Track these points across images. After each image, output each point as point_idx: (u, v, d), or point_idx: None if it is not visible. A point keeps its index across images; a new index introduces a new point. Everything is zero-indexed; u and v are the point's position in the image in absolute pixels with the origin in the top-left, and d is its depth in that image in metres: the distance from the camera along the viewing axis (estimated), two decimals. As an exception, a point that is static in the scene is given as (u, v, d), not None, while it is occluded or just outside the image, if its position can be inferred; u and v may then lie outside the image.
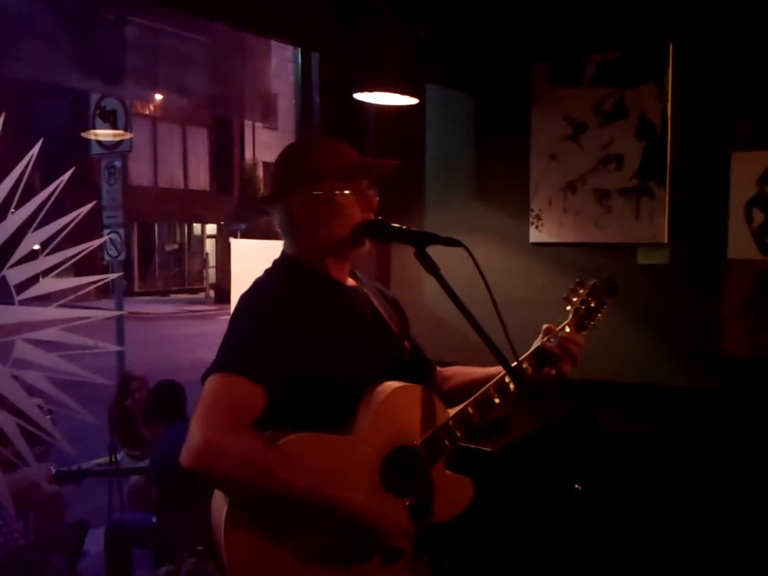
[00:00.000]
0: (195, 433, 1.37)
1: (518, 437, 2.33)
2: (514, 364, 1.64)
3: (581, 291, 1.84)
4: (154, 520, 3.54)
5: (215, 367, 1.46)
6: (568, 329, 1.78)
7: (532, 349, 1.76)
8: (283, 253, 1.72)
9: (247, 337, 1.51)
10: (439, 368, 1.91)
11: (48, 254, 2.34)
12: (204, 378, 1.47)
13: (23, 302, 2.32)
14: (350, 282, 1.75)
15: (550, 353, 1.73)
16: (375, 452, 1.53)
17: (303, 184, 1.63)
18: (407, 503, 1.57)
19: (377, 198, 1.69)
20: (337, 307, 1.65)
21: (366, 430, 1.54)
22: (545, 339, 1.76)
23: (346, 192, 1.62)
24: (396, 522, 1.51)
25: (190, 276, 26.74)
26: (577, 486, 1.51)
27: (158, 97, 21.80)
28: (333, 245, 1.66)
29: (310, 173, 1.64)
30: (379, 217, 1.67)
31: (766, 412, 2.56)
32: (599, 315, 1.84)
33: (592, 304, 1.84)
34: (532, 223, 2.96)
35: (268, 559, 1.43)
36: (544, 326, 1.80)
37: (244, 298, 1.60)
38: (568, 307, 1.83)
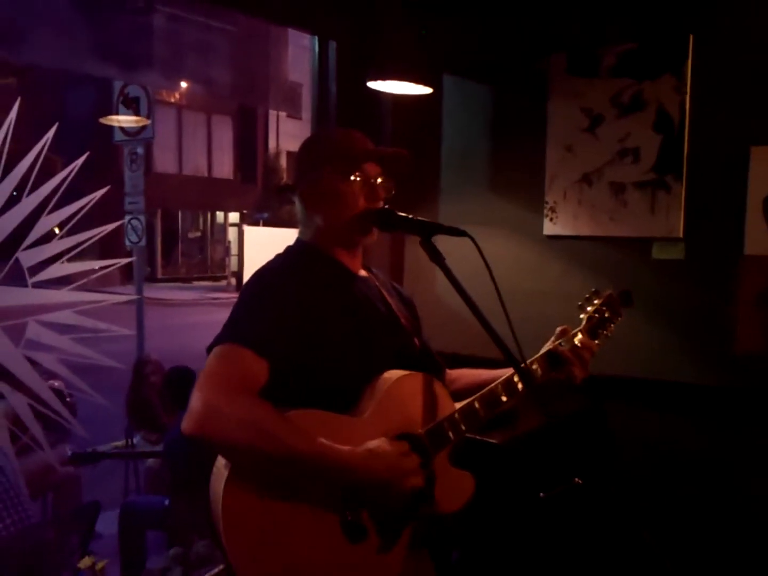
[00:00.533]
0: (195, 399, 1.38)
1: (526, 430, 2.32)
2: (524, 365, 1.63)
3: (596, 301, 1.85)
4: (166, 502, 3.59)
5: (221, 338, 1.48)
6: (580, 335, 1.78)
7: (544, 350, 1.75)
8: (297, 239, 1.74)
9: (254, 312, 1.52)
10: (447, 370, 1.91)
11: (62, 238, 2.37)
12: (209, 349, 1.48)
13: (36, 285, 2.35)
14: (363, 273, 1.76)
15: (562, 357, 1.72)
16: (378, 436, 1.52)
17: (311, 173, 1.67)
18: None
19: (391, 188, 1.69)
20: (346, 295, 1.66)
21: (371, 414, 1.54)
22: (557, 342, 1.76)
23: (349, 179, 1.63)
24: (405, 463, 1.49)
25: (212, 264, 26.93)
26: (577, 480, 1.50)
27: (183, 85, 21.93)
28: (339, 233, 1.67)
29: (317, 162, 1.67)
30: (386, 206, 1.68)
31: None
32: (612, 326, 1.84)
33: (606, 314, 1.84)
34: (547, 216, 2.94)
35: (264, 535, 1.42)
36: (558, 329, 1.79)
37: (255, 275, 1.61)
38: (582, 315, 1.83)
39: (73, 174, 2.32)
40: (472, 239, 1.55)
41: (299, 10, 2.69)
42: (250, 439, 1.37)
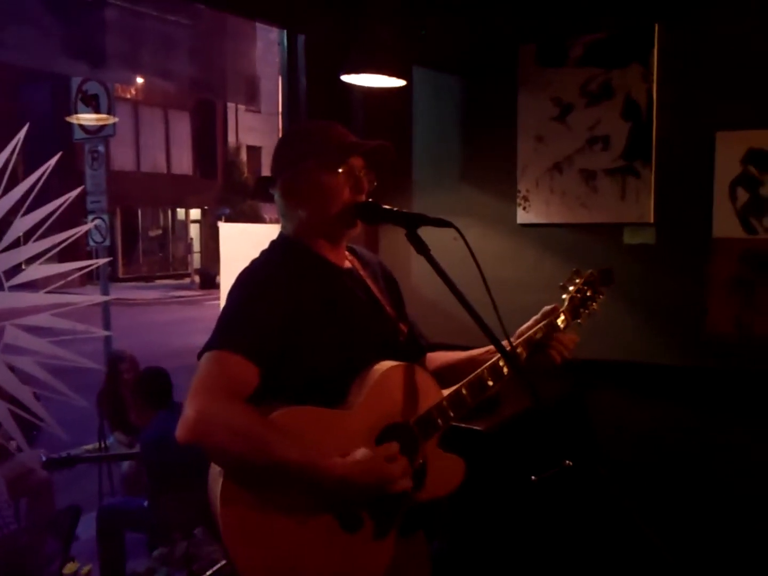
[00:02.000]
0: (188, 407, 1.38)
1: (509, 416, 2.36)
2: (509, 347, 1.66)
3: (578, 280, 1.89)
4: (145, 503, 3.56)
5: (211, 344, 1.47)
6: (563, 316, 1.82)
7: (528, 333, 1.78)
8: (280, 234, 1.74)
9: (242, 316, 1.52)
10: (428, 354, 1.93)
11: (36, 240, 2.34)
12: (200, 355, 1.48)
13: (12, 288, 2.32)
14: (347, 264, 1.76)
15: (542, 343, 1.76)
16: (368, 428, 1.55)
17: (293, 166, 1.66)
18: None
19: (373, 180, 1.70)
20: (330, 289, 1.66)
21: (360, 406, 1.55)
22: (541, 323, 1.79)
23: (334, 172, 1.63)
24: (392, 469, 1.49)
25: (174, 261, 26.60)
26: (567, 462, 1.53)
27: (140, 80, 21.59)
28: (322, 226, 1.67)
29: (300, 155, 1.66)
30: (370, 199, 1.68)
31: (750, 390, 2.60)
32: (594, 304, 1.89)
33: (588, 293, 1.88)
34: (520, 204, 2.98)
35: (262, 531, 1.44)
36: (546, 307, 1.82)
37: (242, 276, 1.61)
38: (564, 296, 1.87)
39: (46, 175, 2.29)
40: (458, 230, 1.57)
41: (267, 4, 2.66)
42: (239, 447, 1.38)
